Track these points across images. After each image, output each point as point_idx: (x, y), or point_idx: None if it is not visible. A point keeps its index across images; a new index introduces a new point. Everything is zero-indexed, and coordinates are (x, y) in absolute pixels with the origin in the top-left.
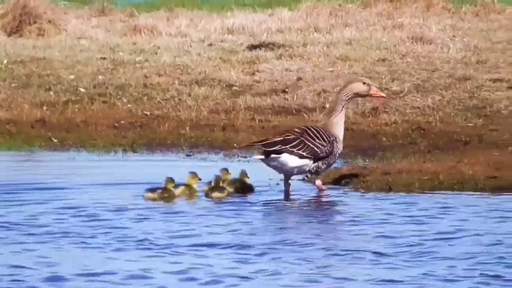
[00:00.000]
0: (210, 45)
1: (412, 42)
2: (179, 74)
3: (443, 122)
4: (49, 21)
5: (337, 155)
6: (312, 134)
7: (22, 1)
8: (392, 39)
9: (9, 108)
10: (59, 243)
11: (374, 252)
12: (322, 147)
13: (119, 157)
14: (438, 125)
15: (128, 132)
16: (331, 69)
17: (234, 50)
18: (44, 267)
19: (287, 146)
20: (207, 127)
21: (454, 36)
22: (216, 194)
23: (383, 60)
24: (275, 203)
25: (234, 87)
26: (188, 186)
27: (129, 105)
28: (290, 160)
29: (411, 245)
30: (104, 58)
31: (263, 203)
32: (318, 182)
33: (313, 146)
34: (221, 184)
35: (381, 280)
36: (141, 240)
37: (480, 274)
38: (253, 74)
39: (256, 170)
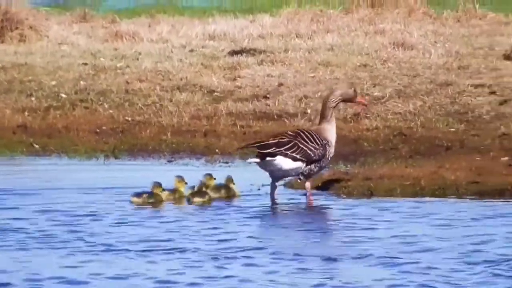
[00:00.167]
0: (192, 51)
1: (394, 47)
2: (161, 80)
3: (424, 127)
4: (31, 27)
5: (329, 158)
6: (305, 137)
7: (3, 7)
8: (374, 45)
9: None
10: (32, 247)
11: (353, 258)
12: (315, 150)
13: (101, 163)
14: (419, 130)
15: (110, 138)
16: (312, 74)
17: (215, 56)
18: (16, 270)
19: (281, 149)
20: (189, 132)
21: (435, 41)
22: (197, 199)
23: (365, 65)
24: (255, 208)
25: (215, 93)
26: (174, 190)
27: (110, 111)
28: (284, 162)
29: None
30: (86, 64)
31: (243, 209)
32: (308, 184)
33: (306, 149)
34: (204, 189)
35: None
36: (110, 245)
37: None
38: (235, 79)
39: (237, 175)
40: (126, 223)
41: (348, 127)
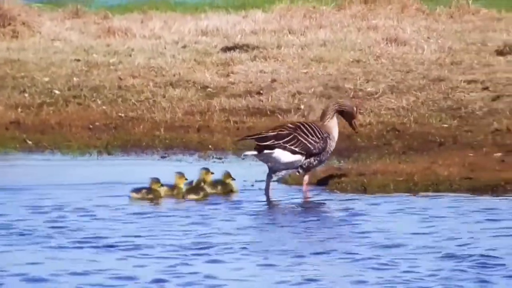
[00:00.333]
0: (184, 47)
1: (387, 43)
2: (154, 76)
3: (417, 123)
4: (23, 23)
5: (330, 152)
6: (305, 130)
7: None
8: (367, 41)
9: None
10: (19, 243)
11: (346, 253)
12: (315, 144)
13: (94, 159)
14: (412, 126)
15: (103, 134)
16: (305, 70)
17: (208, 52)
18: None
19: (280, 141)
20: (182, 128)
21: (428, 37)
22: (191, 196)
23: (358, 61)
24: (246, 204)
25: (208, 89)
26: (174, 186)
27: (103, 107)
28: (283, 155)
29: (376, 245)
30: (78, 60)
31: (233, 205)
32: (306, 178)
33: (306, 142)
34: (202, 185)
35: (353, 281)
36: (83, 241)
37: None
38: (228, 75)
39: (231, 171)
40: (107, 219)
41: (341, 123)
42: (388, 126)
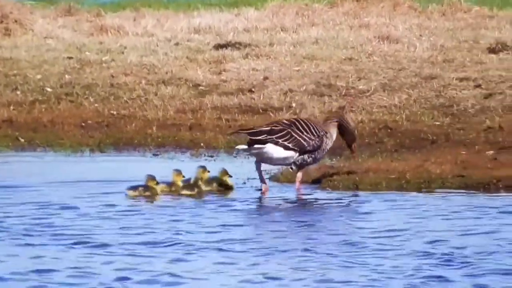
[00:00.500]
0: (177, 44)
1: (379, 41)
2: (146, 73)
3: (410, 121)
4: (16, 21)
5: (326, 150)
6: (300, 127)
7: None
8: (359, 38)
9: None
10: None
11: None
12: (310, 141)
13: (86, 157)
14: (405, 124)
15: (95, 132)
16: (297, 68)
17: (200, 50)
18: None
19: (272, 136)
20: (174, 126)
21: (420, 35)
22: (185, 192)
23: (350, 59)
24: (237, 202)
25: (200, 87)
26: (171, 183)
27: (96, 105)
28: (274, 150)
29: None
30: (71, 58)
31: (226, 202)
32: (299, 174)
33: (299, 138)
34: (199, 182)
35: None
36: (60, 238)
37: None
38: (220, 73)
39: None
40: (93, 216)
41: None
42: (380, 124)
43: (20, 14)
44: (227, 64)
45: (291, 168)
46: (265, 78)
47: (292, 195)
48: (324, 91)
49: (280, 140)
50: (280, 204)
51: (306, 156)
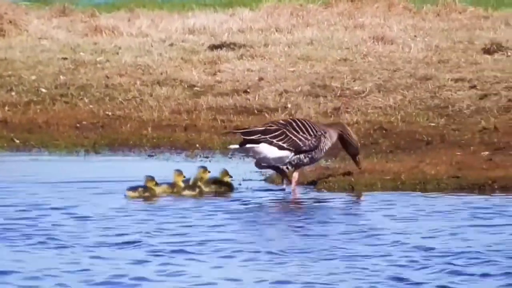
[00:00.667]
0: (171, 45)
1: (374, 42)
2: (141, 74)
3: (405, 122)
4: (10, 22)
5: (324, 150)
6: (296, 127)
7: None
8: (354, 39)
9: None
10: None
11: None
12: (306, 141)
13: (81, 158)
14: (400, 125)
15: (90, 133)
16: (292, 69)
17: (195, 50)
18: None
19: (266, 136)
20: (169, 127)
21: (415, 36)
22: (186, 192)
23: (345, 60)
24: (232, 202)
25: (195, 88)
26: (173, 184)
27: (90, 106)
28: (268, 150)
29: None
30: (66, 59)
31: (221, 203)
32: (295, 175)
33: (295, 138)
34: (199, 183)
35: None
36: (48, 239)
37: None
38: (215, 74)
39: (218, 170)
40: (85, 217)
41: (328, 122)
42: (375, 125)
43: (15, 14)
44: (222, 65)
45: (287, 168)
46: (260, 78)
47: (287, 196)
48: (319, 92)
49: (274, 140)
50: (275, 206)
51: (302, 156)
